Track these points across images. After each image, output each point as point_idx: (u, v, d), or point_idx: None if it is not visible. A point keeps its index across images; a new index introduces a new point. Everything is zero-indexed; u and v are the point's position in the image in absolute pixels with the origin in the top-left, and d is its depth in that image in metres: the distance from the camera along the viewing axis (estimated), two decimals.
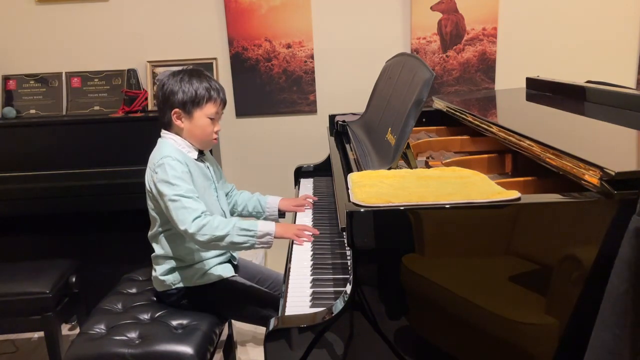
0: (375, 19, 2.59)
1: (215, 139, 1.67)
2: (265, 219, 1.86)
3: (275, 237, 1.54)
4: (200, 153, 1.70)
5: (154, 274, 1.69)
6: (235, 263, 1.82)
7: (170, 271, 1.64)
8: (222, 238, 1.49)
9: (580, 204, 1.00)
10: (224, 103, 1.68)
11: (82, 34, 2.61)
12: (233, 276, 1.72)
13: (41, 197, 2.35)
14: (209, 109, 1.62)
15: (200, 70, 1.67)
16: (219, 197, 1.75)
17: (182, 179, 1.54)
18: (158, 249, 1.66)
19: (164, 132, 1.66)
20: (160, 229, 1.64)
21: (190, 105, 1.60)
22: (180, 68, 1.69)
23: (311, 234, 1.56)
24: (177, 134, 1.64)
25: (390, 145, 1.33)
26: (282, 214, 1.89)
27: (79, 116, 2.51)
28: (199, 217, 1.49)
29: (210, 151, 1.80)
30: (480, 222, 1.00)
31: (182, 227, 1.49)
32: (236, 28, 2.58)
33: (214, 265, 1.69)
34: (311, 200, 1.90)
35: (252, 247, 1.53)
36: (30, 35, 2.61)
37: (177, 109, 1.60)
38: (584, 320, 0.99)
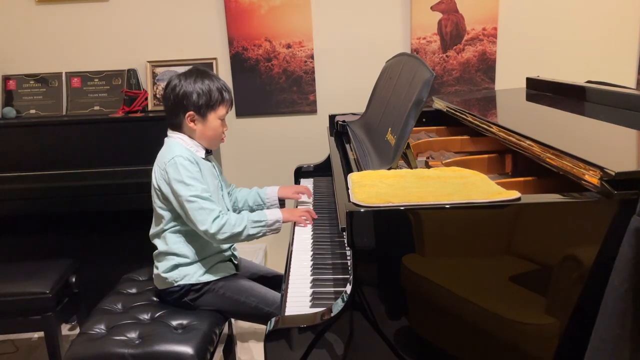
0: (375, 19, 2.58)
1: (223, 138, 1.71)
2: (268, 208, 1.90)
3: (283, 222, 1.66)
4: (207, 152, 1.71)
5: (155, 271, 1.69)
6: (236, 262, 1.83)
7: (173, 268, 1.65)
8: (240, 234, 1.59)
9: (580, 204, 1.00)
10: (232, 103, 1.71)
11: (82, 34, 2.61)
12: (234, 274, 1.73)
13: (41, 197, 2.35)
14: (221, 110, 1.66)
15: (207, 70, 1.68)
16: (224, 194, 1.78)
17: (196, 178, 1.58)
18: (161, 245, 1.67)
19: (171, 132, 1.68)
20: (165, 227, 1.65)
21: (205, 108, 1.62)
22: (181, 69, 1.70)
23: (312, 217, 1.72)
24: (187, 134, 1.66)
25: (390, 145, 1.33)
26: (281, 202, 1.92)
27: (79, 116, 2.51)
28: (218, 217, 1.56)
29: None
30: (480, 222, 1.00)
31: (202, 228, 1.55)
32: (236, 28, 2.58)
33: (216, 264, 1.70)
34: (310, 204, 1.88)
35: (264, 235, 1.64)
36: (30, 35, 2.61)
37: (191, 112, 1.61)
38: (584, 320, 0.99)
